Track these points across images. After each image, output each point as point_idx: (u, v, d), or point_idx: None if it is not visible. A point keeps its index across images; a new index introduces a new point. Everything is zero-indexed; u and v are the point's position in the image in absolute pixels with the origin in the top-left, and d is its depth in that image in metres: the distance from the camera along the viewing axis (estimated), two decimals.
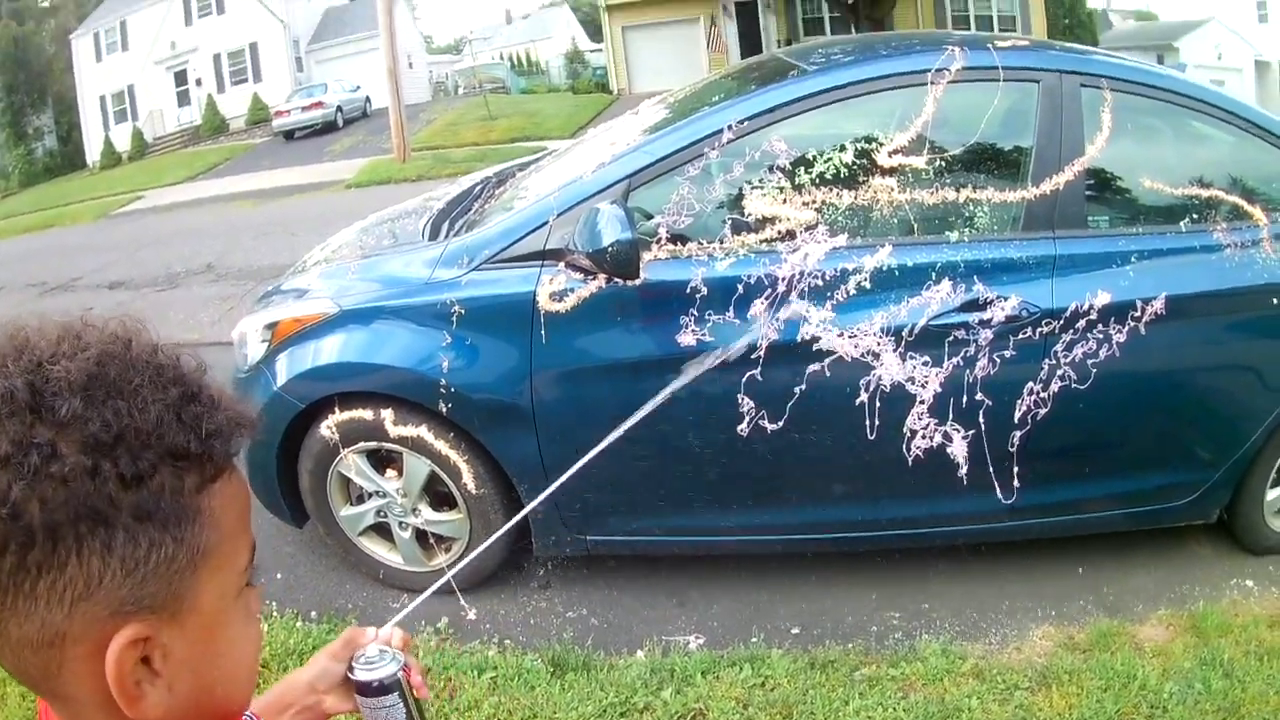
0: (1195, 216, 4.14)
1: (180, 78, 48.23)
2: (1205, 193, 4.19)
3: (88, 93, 49.05)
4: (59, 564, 0.82)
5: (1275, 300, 4.07)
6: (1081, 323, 3.94)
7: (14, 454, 0.81)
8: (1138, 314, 3.95)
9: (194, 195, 25.94)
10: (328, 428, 4.22)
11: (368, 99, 42.16)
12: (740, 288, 3.86)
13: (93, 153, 47.18)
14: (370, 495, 4.47)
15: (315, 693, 1.38)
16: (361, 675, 1.31)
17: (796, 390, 3.90)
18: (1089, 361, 3.97)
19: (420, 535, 4.52)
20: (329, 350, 4.20)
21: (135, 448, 0.85)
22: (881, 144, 3.99)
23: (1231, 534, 4.78)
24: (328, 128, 38.56)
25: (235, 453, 0.96)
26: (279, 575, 4.83)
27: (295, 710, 1.37)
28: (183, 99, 48.13)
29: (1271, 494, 4.58)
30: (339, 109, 39.79)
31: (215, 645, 0.95)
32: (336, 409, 4.20)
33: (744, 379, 3.90)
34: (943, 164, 4.00)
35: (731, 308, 3.87)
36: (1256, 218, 4.18)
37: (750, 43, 38.65)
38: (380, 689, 1.31)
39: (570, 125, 30.02)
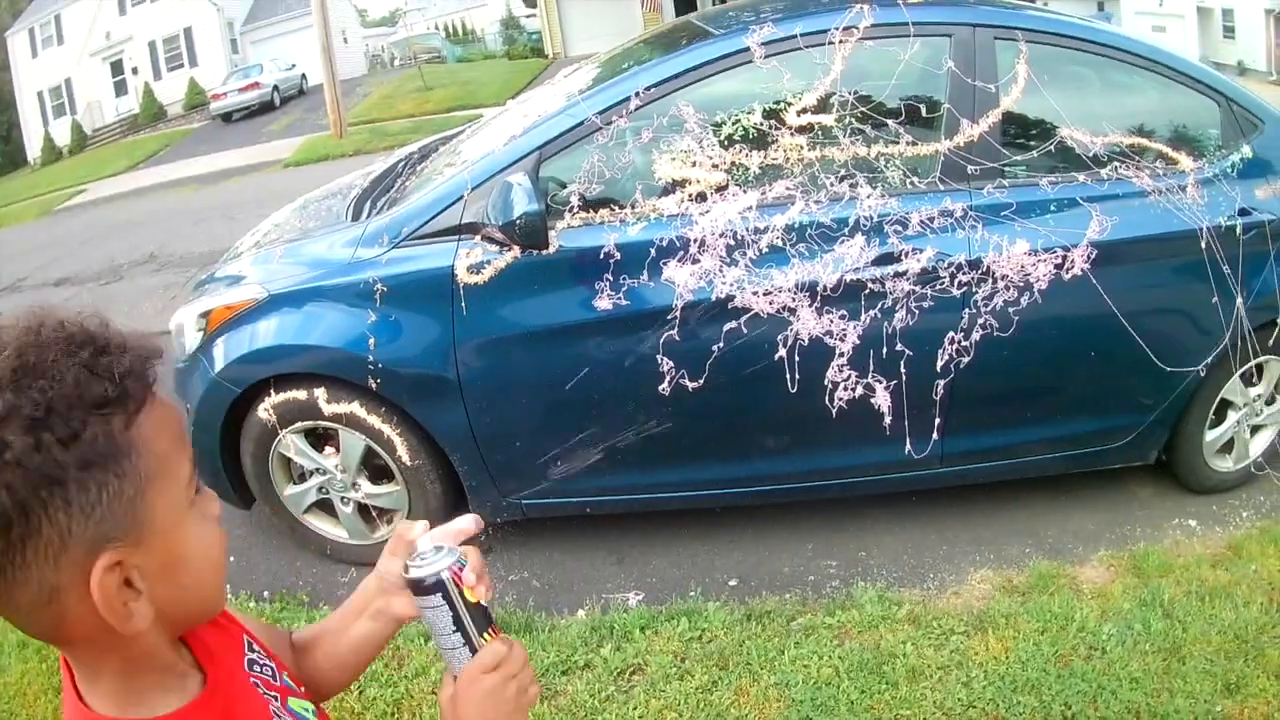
0: (1118, 164, 4.17)
1: (116, 68, 47.64)
2: (1128, 140, 4.22)
3: (25, 89, 48.35)
4: (35, 529, 0.95)
5: (1202, 244, 4.13)
6: (1000, 271, 4.01)
7: None
8: (1059, 261, 4.02)
9: (135, 185, 25.59)
10: (265, 410, 4.26)
11: (304, 76, 41.79)
12: (653, 250, 3.92)
13: (33, 149, 46.55)
14: (311, 473, 4.51)
15: (384, 594, 1.43)
16: (411, 573, 1.29)
17: (714, 349, 3.97)
18: (1010, 310, 4.04)
19: (363, 509, 4.58)
20: (261, 334, 4.23)
21: (64, 412, 0.97)
22: (790, 104, 4.02)
23: (1173, 475, 4.88)
24: (265, 108, 38.22)
25: (152, 383, 1.08)
26: (231, 558, 4.81)
27: (370, 613, 1.45)
28: (120, 89, 47.55)
29: (1210, 434, 4.69)
30: (275, 88, 39.40)
31: (180, 552, 1.09)
32: (272, 391, 4.24)
33: (662, 339, 3.96)
34: (853, 121, 4.02)
35: (646, 271, 3.93)
36: (1182, 163, 4.23)
37: (686, 1, 38.18)
38: (425, 588, 1.27)
39: (506, 92, 29.57)
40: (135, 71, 47.06)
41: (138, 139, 40.62)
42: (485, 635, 1.29)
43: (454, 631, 1.28)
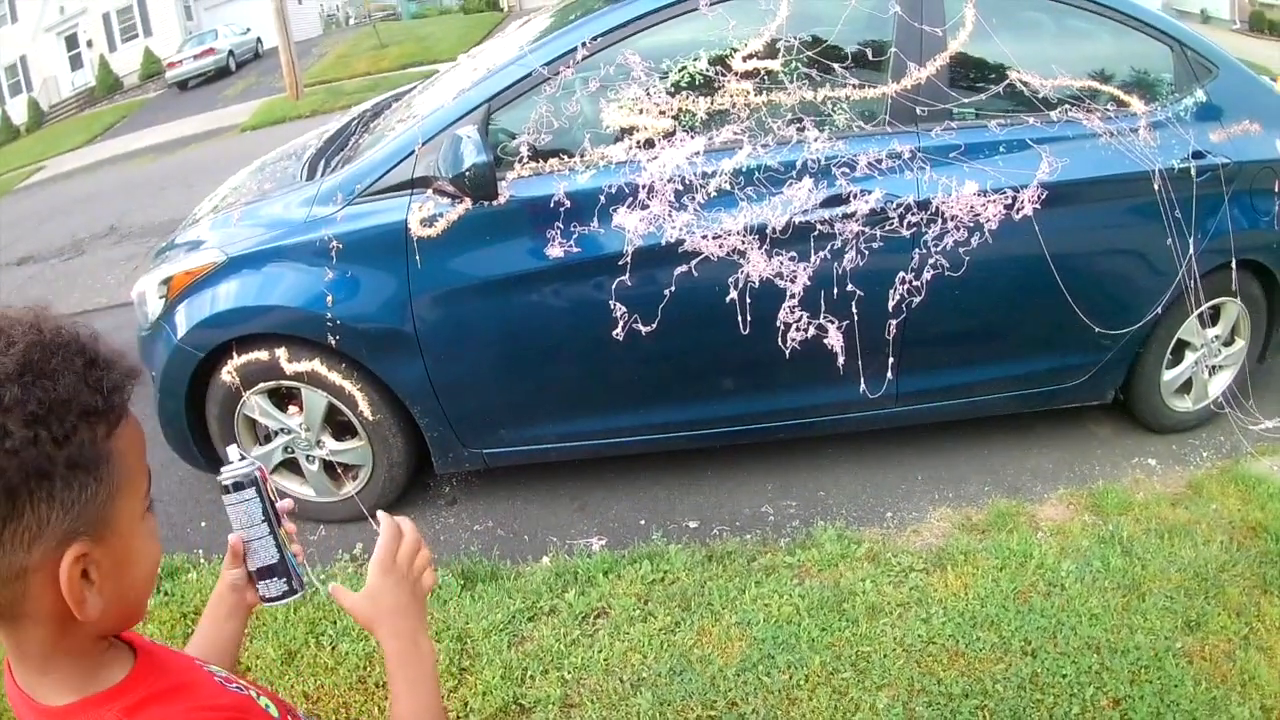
0: (1069, 107, 4.21)
1: (71, 42, 47.03)
2: (1079, 83, 4.26)
3: None
4: (18, 515, 1.04)
5: (1155, 186, 4.18)
6: (949, 212, 4.05)
7: None
8: (1009, 202, 4.07)
9: (94, 158, 25.34)
10: (228, 373, 4.29)
11: (259, 40, 41.37)
12: (602, 198, 3.94)
13: None
14: (276, 433, 4.54)
15: (235, 593, 1.62)
16: (224, 476, 1.53)
17: (666, 292, 4.01)
18: (961, 250, 4.09)
19: (328, 466, 4.61)
20: (222, 298, 4.25)
21: (61, 415, 1.06)
22: (736, 50, 4.04)
23: (1131, 414, 4.95)
24: (221, 74, 37.86)
25: (129, 400, 1.18)
26: (203, 523, 4.90)
27: (227, 614, 1.63)
28: (75, 63, 46.97)
29: (1168, 374, 4.76)
30: (231, 53, 39.04)
31: (129, 557, 1.18)
32: (234, 353, 4.26)
33: (614, 285, 4.01)
34: (799, 65, 4.05)
35: (596, 218, 3.96)
36: (1134, 107, 4.27)
37: None
38: (239, 485, 1.52)
39: (462, 46, 28.87)
40: (90, 44, 46.51)
41: (95, 112, 40.15)
42: (281, 528, 1.58)
43: (262, 521, 1.55)
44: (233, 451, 1.57)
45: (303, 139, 5.73)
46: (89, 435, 1.09)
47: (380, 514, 1.59)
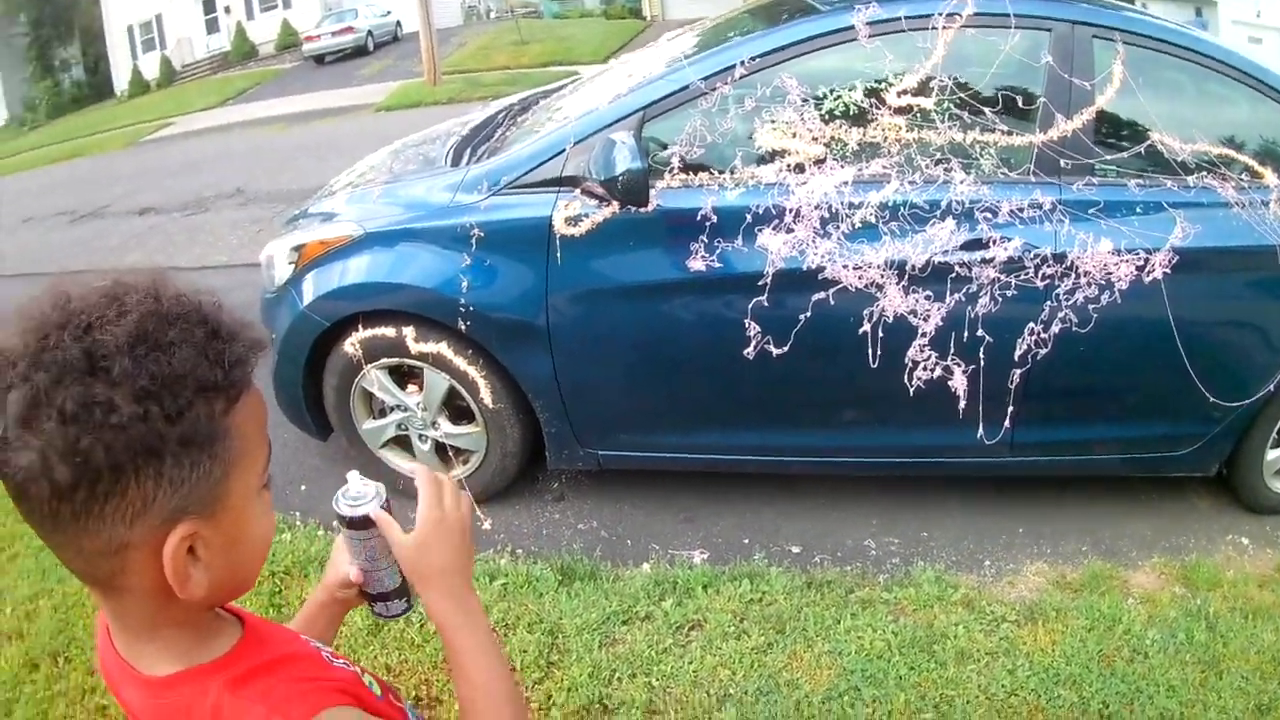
0: (1205, 173, 4.14)
1: (209, 5, 47.73)
2: (1216, 150, 4.18)
3: (115, 23, 48.48)
4: (121, 491, 1.03)
5: None
6: (1083, 268, 4.02)
7: (80, 412, 0.99)
8: (1141, 263, 4.02)
9: (223, 120, 25.79)
10: (351, 345, 4.37)
11: (399, 23, 41.45)
12: (749, 216, 3.97)
13: (120, 82, 46.74)
14: (392, 409, 4.63)
15: (342, 604, 1.61)
16: (346, 510, 1.43)
17: (801, 318, 4.02)
18: (1090, 307, 4.05)
19: (439, 448, 4.69)
20: (353, 271, 4.34)
21: (175, 390, 1.04)
22: (891, 84, 4.05)
23: (1231, 490, 4.86)
24: (358, 52, 38.07)
25: (252, 374, 1.15)
26: (303, 487, 5.00)
27: (326, 621, 1.61)
28: (211, 26, 47.70)
29: (1272, 454, 4.65)
30: (369, 33, 39.20)
31: (241, 533, 1.17)
32: (360, 327, 4.35)
33: (751, 304, 4.03)
34: (951, 106, 4.05)
35: (740, 236, 3.99)
36: (1266, 179, 4.19)
37: None
38: (361, 523, 1.43)
39: (602, 51, 29.09)
40: (228, 10, 47.22)
41: (228, 76, 40.80)
42: None
43: (388, 552, 1.45)
44: (353, 478, 1.46)
45: (445, 125, 5.82)
46: (205, 411, 1.07)
47: (415, 466, 1.51)
